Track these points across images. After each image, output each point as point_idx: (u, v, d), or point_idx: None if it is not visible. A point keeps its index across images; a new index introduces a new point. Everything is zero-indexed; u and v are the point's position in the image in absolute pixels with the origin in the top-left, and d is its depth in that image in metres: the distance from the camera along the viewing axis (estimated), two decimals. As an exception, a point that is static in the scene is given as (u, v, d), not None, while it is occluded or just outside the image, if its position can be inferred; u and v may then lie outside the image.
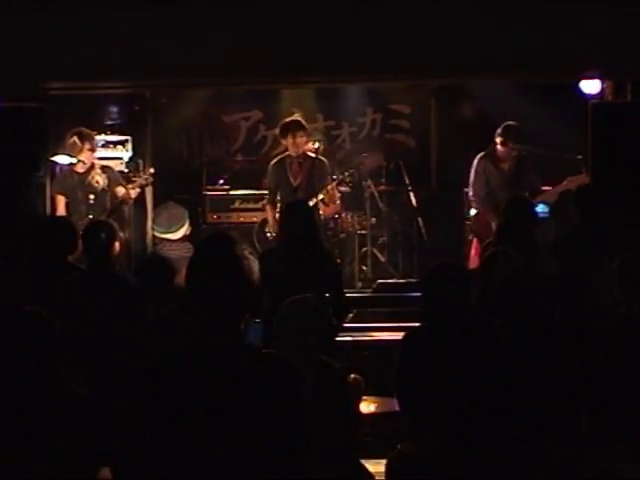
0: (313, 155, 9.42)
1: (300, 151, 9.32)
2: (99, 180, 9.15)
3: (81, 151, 9.12)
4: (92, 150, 9.25)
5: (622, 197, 8.18)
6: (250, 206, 10.60)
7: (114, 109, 11.02)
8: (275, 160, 9.60)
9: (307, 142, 9.49)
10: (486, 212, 9.13)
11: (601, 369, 4.82)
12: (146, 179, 9.58)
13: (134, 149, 10.79)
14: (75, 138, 9.12)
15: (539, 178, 9.25)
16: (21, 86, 8.68)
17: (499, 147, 9.18)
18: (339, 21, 8.24)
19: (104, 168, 9.32)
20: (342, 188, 10.02)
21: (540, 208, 9.10)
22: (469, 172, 10.04)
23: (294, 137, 9.28)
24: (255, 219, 10.38)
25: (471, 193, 9.45)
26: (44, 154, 9.01)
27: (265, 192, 10.35)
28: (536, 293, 4.75)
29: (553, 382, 4.60)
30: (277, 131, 9.67)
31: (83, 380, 4.11)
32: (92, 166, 9.21)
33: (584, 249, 6.85)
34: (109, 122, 10.85)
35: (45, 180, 9.06)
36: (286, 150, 9.57)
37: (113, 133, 10.73)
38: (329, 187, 9.33)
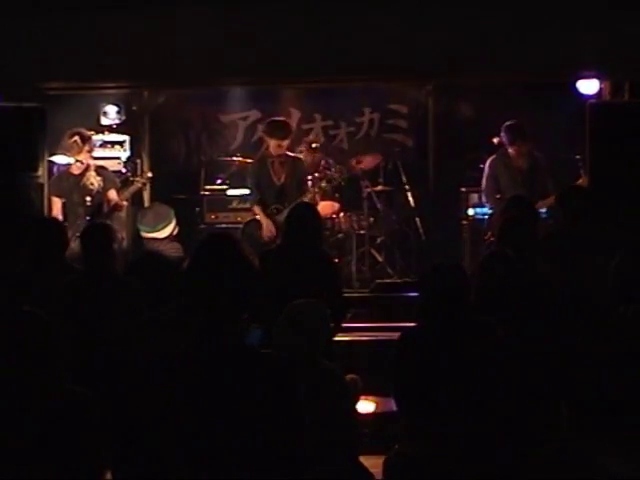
0: (292, 154, 9.55)
1: (280, 152, 9.37)
2: (94, 182, 9.15)
3: (81, 151, 9.12)
4: (90, 151, 9.26)
5: (620, 196, 8.20)
6: (248, 206, 10.59)
7: (112, 109, 11.02)
8: (255, 160, 9.68)
9: (290, 145, 9.58)
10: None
11: (599, 369, 4.83)
12: (143, 182, 9.58)
13: (132, 149, 10.79)
14: (77, 138, 9.11)
15: (552, 183, 9.14)
16: (20, 86, 8.69)
17: (509, 148, 9.14)
18: (338, 21, 8.26)
19: (99, 170, 9.31)
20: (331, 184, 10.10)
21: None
22: (467, 172, 10.09)
23: (282, 139, 9.32)
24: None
25: (483, 196, 9.46)
26: (43, 154, 9.02)
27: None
28: (534, 293, 4.76)
29: (551, 382, 4.61)
30: (264, 128, 9.69)
31: (82, 380, 4.11)
32: (87, 167, 9.20)
33: (566, 249, 6.87)
34: (107, 122, 10.85)
35: (43, 180, 9.07)
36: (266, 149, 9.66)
37: (111, 133, 10.73)
38: (322, 184, 9.45)
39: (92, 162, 9.32)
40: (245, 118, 11.98)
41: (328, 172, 10.19)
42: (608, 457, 4.50)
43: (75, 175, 9.19)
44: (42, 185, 9.03)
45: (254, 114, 11.95)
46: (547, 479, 4.48)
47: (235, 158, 11.31)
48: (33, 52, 8.24)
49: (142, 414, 3.02)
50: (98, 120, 10.77)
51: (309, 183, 9.75)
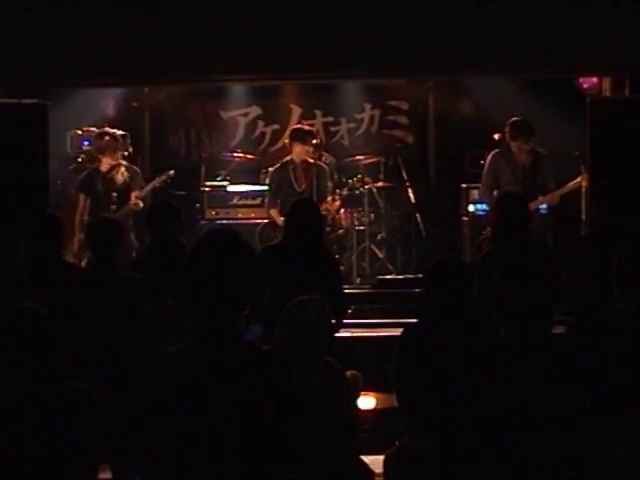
0: (315, 162, 9.62)
1: (305, 158, 9.49)
2: (120, 178, 9.28)
3: (116, 150, 9.27)
4: (121, 150, 9.41)
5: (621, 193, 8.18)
6: (249, 202, 10.60)
7: (113, 105, 11.04)
8: (277, 165, 9.77)
9: (313, 151, 9.68)
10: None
11: (599, 367, 4.83)
12: (164, 180, 9.63)
13: (132, 145, 10.79)
14: (109, 137, 9.33)
15: (554, 181, 9.11)
16: (20, 82, 8.69)
17: (512, 144, 9.09)
18: (338, 18, 8.26)
19: (129, 168, 9.44)
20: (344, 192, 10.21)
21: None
22: (467, 168, 10.09)
23: (304, 145, 9.47)
24: (254, 215, 10.41)
25: (481, 191, 9.46)
26: (44, 150, 9.02)
27: (265, 188, 10.41)
28: (534, 290, 4.74)
29: (552, 379, 4.61)
30: (287, 135, 9.81)
31: (83, 377, 4.11)
32: (117, 165, 9.32)
33: (605, 247, 6.77)
34: (107, 118, 10.86)
35: (45, 176, 9.07)
36: (287, 155, 9.78)
37: (112, 129, 10.72)
38: (329, 200, 9.53)
39: (122, 161, 9.44)
40: (245, 114, 11.98)
41: (350, 181, 10.30)
42: (609, 454, 4.50)
43: (103, 173, 9.29)
44: (44, 182, 9.02)
45: (254, 110, 11.96)
46: (550, 478, 4.48)
47: (235, 154, 11.31)
48: (33, 48, 8.24)
49: (142, 411, 3.02)
50: (99, 116, 10.79)
51: (329, 191, 9.81)
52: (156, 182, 9.62)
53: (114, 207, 9.22)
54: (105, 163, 9.34)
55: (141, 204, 9.33)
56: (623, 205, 7.07)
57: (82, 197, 9.37)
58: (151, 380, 3.02)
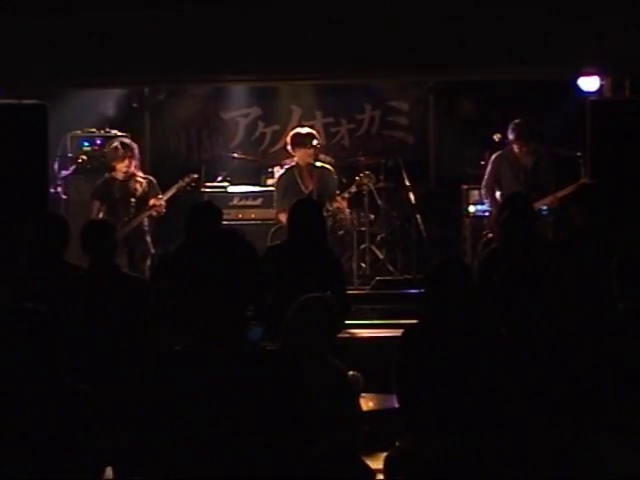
0: (319, 165, 9.59)
1: (309, 161, 9.47)
2: (138, 188, 9.25)
3: (123, 158, 9.21)
4: (133, 158, 9.33)
5: (621, 194, 8.19)
6: (249, 203, 10.60)
7: (112, 106, 11.04)
8: (283, 170, 9.77)
9: (316, 153, 9.68)
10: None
11: (600, 366, 4.83)
12: (188, 182, 9.61)
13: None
14: (117, 144, 9.26)
15: (554, 182, 9.12)
16: (21, 83, 8.70)
17: (514, 146, 9.10)
18: (338, 18, 8.27)
19: (145, 177, 9.42)
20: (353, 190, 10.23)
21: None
22: (467, 169, 10.09)
23: (306, 148, 9.46)
24: (254, 215, 10.42)
25: (482, 191, 9.47)
26: (43, 150, 9.02)
27: (265, 189, 10.43)
28: (536, 290, 4.75)
29: (553, 378, 4.61)
30: (288, 140, 9.77)
31: (84, 377, 4.11)
32: (133, 174, 9.29)
33: (587, 249, 6.77)
34: (107, 119, 10.86)
35: (45, 176, 9.06)
36: (287, 156, 9.80)
37: (111, 130, 10.73)
38: (337, 203, 9.63)
39: (136, 170, 9.39)
40: (246, 115, 11.99)
41: (357, 178, 10.28)
42: (611, 453, 4.51)
43: (121, 181, 9.27)
44: (43, 182, 9.02)
45: (255, 111, 11.97)
46: (549, 477, 4.49)
47: (236, 155, 11.31)
48: (34, 49, 8.25)
49: (144, 412, 3.02)
50: (99, 117, 10.79)
51: (336, 191, 9.82)
52: (179, 185, 9.60)
53: (132, 213, 9.19)
54: (119, 171, 9.30)
55: (164, 209, 9.31)
56: (604, 206, 7.05)
57: (97, 204, 9.29)
58: (154, 380, 3.02)
